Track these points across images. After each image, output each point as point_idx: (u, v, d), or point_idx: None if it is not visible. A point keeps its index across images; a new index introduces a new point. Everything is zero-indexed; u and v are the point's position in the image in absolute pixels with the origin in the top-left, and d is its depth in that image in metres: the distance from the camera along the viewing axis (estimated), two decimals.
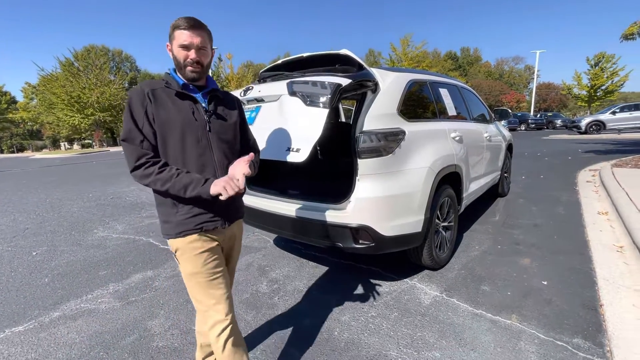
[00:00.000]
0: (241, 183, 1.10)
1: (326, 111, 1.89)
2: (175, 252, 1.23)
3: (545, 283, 2.34)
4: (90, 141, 35.94)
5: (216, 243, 1.27)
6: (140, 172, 1.13)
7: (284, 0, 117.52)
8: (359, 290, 2.38)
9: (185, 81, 1.20)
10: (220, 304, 1.23)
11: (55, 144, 47.02)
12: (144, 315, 2.15)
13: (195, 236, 1.21)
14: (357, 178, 2.07)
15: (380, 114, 2.14)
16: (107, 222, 4.46)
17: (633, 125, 16.61)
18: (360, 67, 2.21)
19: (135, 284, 2.60)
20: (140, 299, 2.37)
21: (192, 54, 1.15)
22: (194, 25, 1.14)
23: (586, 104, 30.74)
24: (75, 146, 37.08)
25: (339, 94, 1.93)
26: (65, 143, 43.01)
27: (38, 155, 28.76)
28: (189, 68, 1.16)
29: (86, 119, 31.49)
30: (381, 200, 2.07)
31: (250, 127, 1.51)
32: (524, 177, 6.28)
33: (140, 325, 2.04)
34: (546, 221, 3.70)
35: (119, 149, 29.84)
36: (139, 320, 2.09)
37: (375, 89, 2.23)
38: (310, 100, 1.95)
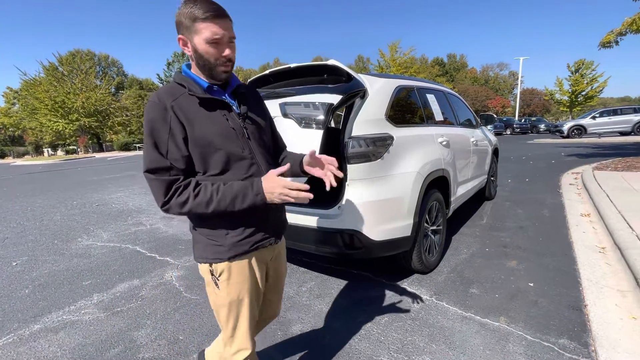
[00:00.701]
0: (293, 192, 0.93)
1: (321, 132, 1.97)
2: (219, 276, 1.04)
3: (531, 285, 2.38)
4: (74, 147, 35.11)
5: (265, 265, 1.16)
6: (174, 203, 0.92)
7: (275, 4, 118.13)
8: (350, 295, 2.37)
9: (209, 82, 0.98)
10: (250, 331, 1.12)
11: (38, 150, 45.80)
12: (129, 325, 2.09)
13: (247, 258, 1.07)
14: (346, 183, 2.08)
15: (368, 119, 2.16)
16: (92, 230, 4.34)
17: (612, 130, 17.22)
18: (349, 76, 2.24)
19: (121, 294, 2.53)
20: (126, 309, 2.30)
21: (226, 51, 0.94)
22: (223, 13, 0.92)
23: (568, 109, 31.76)
24: (59, 152, 36.21)
25: (331, 113, 2.01)
26: (49, 149, 41.95)
27: (20, 161, 27.91)
28: (221, 68, 0.95)
29: (71, 125, 30.84)
30: (370, 205, 2.08)
31: None
32: (510, 181, 6.42)
33: (125, 336, 1.99)
34: (532, 223, 3.78)
35: (105, 154, 29.24)
36: (124, 331, 2.03)
37: (363, 95, 2.25)
38: (304, 122, 2.01)
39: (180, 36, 0.95)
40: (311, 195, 0.93)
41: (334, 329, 1.98)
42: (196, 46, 0.93)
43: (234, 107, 1.03)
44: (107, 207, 5.77)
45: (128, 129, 45.70)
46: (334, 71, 2.30)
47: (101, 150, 36.96)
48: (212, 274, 1.05)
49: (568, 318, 1.96)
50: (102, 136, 39.44)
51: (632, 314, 1.92)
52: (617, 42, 7.83)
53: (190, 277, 2.78)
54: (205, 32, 0.90)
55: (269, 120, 1.20)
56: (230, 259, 1.04)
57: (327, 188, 1.03)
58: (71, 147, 35.84)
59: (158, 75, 37.64)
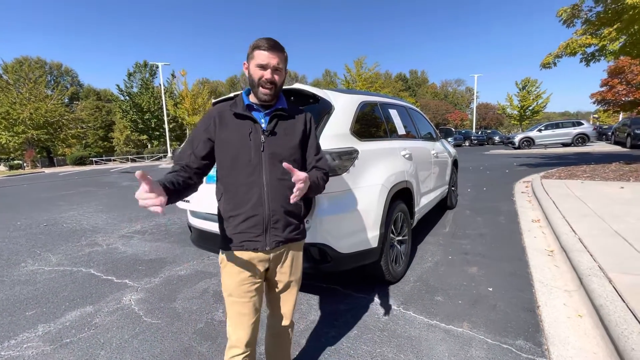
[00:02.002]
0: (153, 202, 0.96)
1: None
2: (221, 262, 1.29)
3: (490, 289, 2.51)
4: (20, 162, 32.13)
5: (260, 266, 1.27)
6: None
7: (241, 15, 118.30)
8: (319, 310, 2.35)
9: (252, 102, 1.26)
10: (241, 330, 1.24)
11: None
12: (80, 358, 1.91)
13: (238, 253, 1.24)
14: (313, 197, 2.09)
15: (334, 134, 2.21)
16: (39, 253, 3.97)
17: (556, 141, 18.96)
18: (316, 97, 2.29)
19: (71, 323, 2.32)
20: (76, 339, 2.11)
21: (267, 74, 1.19)
22: (274, 46, 1.19)
23: (518, 122, 34.58)
24: (2, 167, 32.91)
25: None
26: None
27: None
28: (262, 89, 1.21)
29: (16, 137, 28.29)
30: (338, 218, 2.11)
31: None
32: (470, 190, 6.80)
33: None
34: (490, 230, 4.01)
35: (57, 169, 27.07)
36: None
37: (329, 110, 2.30)
38: None
39: (244, 62, 1.26)
40: (153, 207, 0.93)
41: (303, 345, 1.95)
42: (250, 68, 1.23)
43: (262, 124, 1.24)
44: (57, 227, 5.31)
45: (84, 141, 42.80)
46: (300, 93, 2.34)
47: (52, 164, 34.13)
48: (219, 262, 1.30)
49: (523, 320, 2.08)
50: (54, 150, 36.52)
51: (578, 312, 2.08)
52: (555, 64, 8.71)
53: (152, 299, 2.62)
54: (257, 58, 1.19)
55: (300, 141, 1.32)
56: (225, 248, 1.26)
57: (291, 201, 1.13)
58: (16, 162, 32.78)
59: (118, 86, 35.80)
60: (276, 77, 1.21)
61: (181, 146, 1.29)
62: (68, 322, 2.34)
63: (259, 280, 1.28)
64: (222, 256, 1.29)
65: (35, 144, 31.64)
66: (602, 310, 1.89)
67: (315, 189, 1.28)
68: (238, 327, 1.24)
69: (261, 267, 1.27)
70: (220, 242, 1.30)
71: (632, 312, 1.81)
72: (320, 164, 1.38)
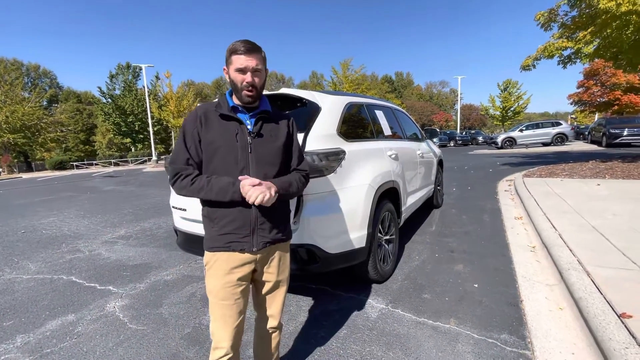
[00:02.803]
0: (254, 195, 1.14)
1: None
2: (206, 264, 1.28)
3: (476, 286, 2.57)
4: None
5: (247, 268, 1.27)
6: (177, 185, 1.23)
7: (226, 17, 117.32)
8: (308, 311, 2.35)
9: (236, 104, 1.26)
10: (226, 332, 1.24)
11: None
12: None
13: (225, 254, 1.24)
14: (300, 198, 2.09)
15: (321, 134, 2.22)
16: (17, 261, 3.82)
17: (536, 141, 19.57)
18: (302, 101, 2.30)
19: (52, 333, 2.24)
20: (57, 349, 2.04)
21: (247, 77, 1.20)
22: (251, 49, 1.19)
23: (500, 123, 35.51)
24: None
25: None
26: None
27: None
28: (245, 92, 1.21)
29: None
30: (325, 218, 2.12)
31: None
32: (455, 189, 6.93)
33: None
34: (475, 228, 4.10)
35: (35, 174, 26.12)
36: None
37: (316, 112, 2.31)
38: None
39: (224, 67, 1.26)
40: (257, 192, 1.13)
41: (293, 347, 1.94)
42: (230, 73, 1.23)
43: (249, 126, 1.26)
44: (36, 234, 5.13)
45: (64, 145, 41.49)
46: (287, 97, 2.35)
47: (30, 169, 32.91)
48: (204, 264, 1.29)
49: (508, 314, 2.14)
50: (32, 154, 35.25)
51: (559, 305, 2.16)
52: (534, 66, 9.00)
53: (137, 305, 2.56)
54: (236, 62, 1.20)
55: (284, 144, 1.34)
56: (211, 249, 1.26)
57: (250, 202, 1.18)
58: None
59: (99, 88, 34.85)
60: (256, 79, 1.22)
61: (174, 150, 1.27)
62: (48, 331, 2.26)
63: (245, 282, 1.28)
64: (207, 257, 1.28)
65: (11, 149, 30.49)
66: (581, 303, 1.97)
67: (291, 193, 1.32)
68: (222, 329, 1.24)
69: (247, 269, 1.27)
70: (205, 243, 1.29)
71: (609, 303, 1.88)
72: (301, 167, 1.42)
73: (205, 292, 1.29)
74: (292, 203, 2.11)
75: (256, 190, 1.14)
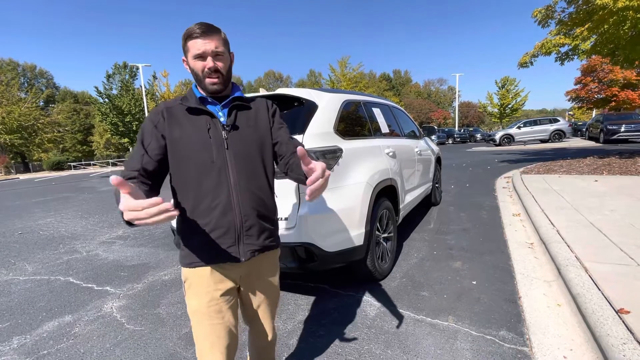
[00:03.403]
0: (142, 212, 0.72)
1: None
2: (185, 282, 1.13)
3: (474, 283, 2.57)
4: None
5: (230, 283, 1.12)
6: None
7: (223, 16, 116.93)
8: (307, 309, 2.35)
9: (204, 94, 1.10)
10: (214, 354, 1.10)
11: None
12: None
13: (206, 269, 1.09)
14: (297, 196, 2.08)
15: (317, 132, 2.21)
16: (13, 262, 3.79)
17: (534, 138, 19.60)
18: (300, 100, 2.30)
19: (49, 334, 2.22)
20: (54, 350, 2.03)
21: (208, 63, 1.03)
22: (206, 30, 1.02)
23: (498, 120, 35.54)
24: None
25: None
26: None
27: None
28: (208, 79, 1.05)
29: None
30: (323, 217, 2.11)
31: None
32: (453, 186, 6.94)
33: None
34: (473, 225, 4.10)
35: (33, 175, 26.02)
36: None
37: (313, 110, 2.30)
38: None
39: (182, 58, 1.09)
40: (167, 212, 0.72)
41: (292, 345, 1.93)
42: (189, 62, 1.07)
43: (221, 118, 1.09)
44: (33, 235, 5.10)
45: (61, 146, 41.33)
46: (284, 97, 2.34)
47: (27, 170, 32.76)
48: (183, 281, 1.15)
49: (506, 311, 2.14)
50: (29, 155, 35.06)
51: (557, 302, 2.16)
52: (531, 63, 9.01)
53: (134, 306, 2.54)
54: (192, 48, 1.03)
55: (267, 133, 1.16)
56: (190, 264, 1.10)
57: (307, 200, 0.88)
58: None
59: (96, 88, 34.66)
60: (219, 63, 1.05)
61: (130, 152, 1.10)
62: (45, 333, 2.24)
63: (233, 296, 1.14)
64: (185, 273, 1.12)
65: (8, 150, 30.34)
66: (579, 299, 1.96)
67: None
68: (211, 353, 1.09)
69: (234, 282, 1.14)
70: (181, 259, 1.12)
71: (607, 299, 1.88)
72: (291, 149, 1.19)
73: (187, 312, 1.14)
74: (290, 201, 2.10)
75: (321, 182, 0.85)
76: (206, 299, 1.09)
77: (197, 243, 1.08)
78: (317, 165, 0.86)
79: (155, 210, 0.71)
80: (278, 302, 1.34)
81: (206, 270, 1.09)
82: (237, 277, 1.14)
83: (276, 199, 1.23)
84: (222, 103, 1.12)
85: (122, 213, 0.75)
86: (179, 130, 1.06)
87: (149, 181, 1.02)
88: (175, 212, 0.73)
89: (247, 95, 1.23)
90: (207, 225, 1.06)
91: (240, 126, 1.11)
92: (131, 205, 0.72)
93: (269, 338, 1.30)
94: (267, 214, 1.17)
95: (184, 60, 1.10)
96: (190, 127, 1.07)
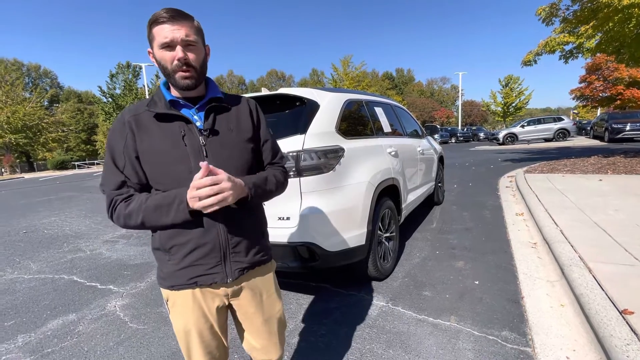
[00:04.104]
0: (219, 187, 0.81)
1: (297, 179, 2.05)
2: (167, 301, 1.03)
3: (477, 282, 2.56)
4: None
5: (218, 302, 1.01)
6: (114, 216, 0.93)
7: (226, 14, 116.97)
8: (309, 309, 2.35)
9: (174, 96, 0.95)
10: None
11: None
12: None
13: (189, 291, 0.98)
14: (299, 196, 2.09)
15: (319, 132, 2.21)
16: (18, 261, 3.83)
17: (538, 136, 19.46)
18: (302, 100, 2.30)
19: (53, 332, 2.24)
20: (58, 349, 2.05)
21: (178, 53, 0.87)
22: (175, 15, 0.87)
23: (502, 119, 35.36)
24: None
25: (302, 159, 2.08)
26: None
27: None
28: (179, 74, 0.89)
29: None
30: (324, 216, 2.11)
31: None
32: (456, 186, 6.91)
33: None
34: (476, 225, 4.08)
35: (37, 174, 26.23)
36: None
37: (315, 109, 2.30)
38: None
39: (148, 49, 0.93)
40: (223, 192, 0.81)
41: (293, 345, 1.94)
42: (155, 53, 0.91)
43: (197, 122, 0.95)
44: (38, 233, 5.14)
45: (65, 145, 41.61)
46: (286, 97, 2.35)
47: (32, 169, 33.04)
48: (164, 300, 1.04)
49: (508, 311, 2.13)
50: (33, 154, 35.35)
51: (560, 302, 2.14)
52: (535, 61, 8.93)
53: (138, 305, 2.56)
54: (158, 35, 0.88)
55: (251, 137, 1.04)
56: (170, 287, 0.99)
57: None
58: None
59: (100, 87, 34.83)
60: (190, 54, 0.89)
61: (103, 174, 0.96)
62: (49, 331, 2.26)
63: (222, 313, 1.05)
64: (166, 295, 1.02)
65: (13, 149, 30.62)
66: (583, 299, 1.95)
67: (268, 192, 1.03)
68: None
69: (221, 301, 1.03)
70: (161, 280, 1.00)
71: (610, 300, 1.87)
72: (277, 160, 1.13)
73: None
74: (292, 201, 2.10)
75: (208, 191, 0.82)
76: (192, 318, 1.00)
77: (177, 265, 0.96)
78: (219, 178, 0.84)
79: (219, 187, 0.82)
80: (284, 324, 1.20)
81: (188, 293, 0.99)
82: (226, 297, 1.03)
83: (269, 203, 1.19)
84: (197, 105, 0.97)
85: (186, 206, 0.86)
86: (149, 141, 0.92)
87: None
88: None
89: (249, 95, 1.18)
90: (187, 245, 0.94)
91: (220, 130, 0.97)
92: (207, 180, 0.80)
93: (270, 356, 1.15)
94: (256, 227, 1.06)
95: (149, 52, 0.93)
96: (161, 135, 0.92)
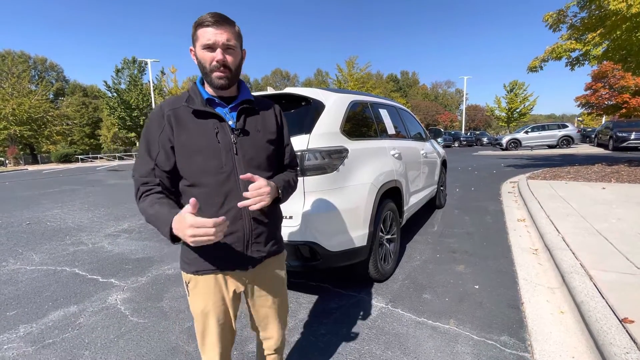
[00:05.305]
0: (211, 231, 0.82)
1: (301, 179, 2.06)
2: (188, 283, 1.11)
3: (477, 287, 2.56)
4: (2, 159, 31.19)
5: (236, 287, 1.12)
6: (140, 207, 1.00)
7: (231, 13, 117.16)
8: (309, 308, 2.36)
9: (210, 95, 1.04)
10: (216, 349, 1.13)
11: None
12: (63, 359, 1.87)
13: (212, 276, 1.08)
14: (302, 195, 2.09)
15: (324, 132, 2.22)
16: (21, 252, 3.86)
17: (541, 143, 19.40)
18: (307, 100, 2.31)
19: (54, 323, 2.26)
20: (59, 340, 2.06)
21: (217, 55, 0.96)
22: (219, 20, 0.96)
23: (506, 124, 35.25)
24: None
25: (306, 159, 2.10)
26: None
27: None
28: (216, 73, 0.98)
29: None
30: (327, 216, 2.12)
31: None
32: (458, 190, 6.90)
33: None
34: (477, 229, 4.08)
35: (41, 167, 26.38)
36: None
37: (320, 109, 2.31)
38: None
39: (190, 47, 1.02)
40: (222, 229, 0.84)
41: (292, 343, 1.95)
42: (196, 52, 1.00)
43: (229, 122, 1.04)
44: (41, 225, 5.18)
45: (69, 138, 41.83)
46: (291, 97, 2.35)
47: (35, 162, 33.21)
48: (185, 282, 1.13)
49: (508, 316, 2.13)
50: (37, 147, 35.54)
51: (560, 309, 2.14)
52: (541, 67, 8.91)
53: (138, 299, 2.58)
54: (202, 37, 0.96)
55: (274, 139, 1.14)
56: (194, 272, 1.08)
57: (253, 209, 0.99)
58: None
59: (105, 82, 35.01)
60: (229, 57, 0.98)
61: (136, 161, 1.05)
62: (51, 322, 2.28)
63: (236, 300, 1.16)
64: (188, 277, 1.10)
65: (18, 141, 30.80)
66: (583, 307, 1.95)
67: (289, 194, 1.16)
68: (213, 349, 1.13)
69: (239, 287, 1.13)
70: (185, 265, 1.10)
71: (611, 308, 1.87)
72: (294, 165, 1.27)
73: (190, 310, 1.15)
74: (295, 200, 2.11)
75: (257, 194, 0.95)
76: (211, 301, 1.09)
77: (204, 251, 1.05)
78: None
79: (223, 227, 0.83)
80: (287, 308, 1.32)
81: (211, 276, 1.08)
82: (243, 282, 1.14)
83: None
84: (231, 105, 1.06)
85: (170, 233, 0.89)
86: (186, 135, 1.00)
87: (172, 188, 1.05)
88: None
89: (254, 93, 1.22)
90: None
91: (249, 130, 1.07)
92: (199, 222, 0.81)
93: (277, 345, 1.28)
94: (275, 220, 1.17)
95: (191, 50, 1.02)
96: (197, 131, 1.01)
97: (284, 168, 1.23)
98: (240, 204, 0.95)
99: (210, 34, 0.95)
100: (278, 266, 1.23)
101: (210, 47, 0.96)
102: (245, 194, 0.95)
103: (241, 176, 0.96)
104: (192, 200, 0.84)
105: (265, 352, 1.30)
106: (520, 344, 1.85)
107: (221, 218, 0.84)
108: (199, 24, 0.96)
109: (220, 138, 1.02)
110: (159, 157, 1.01)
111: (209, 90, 1.05)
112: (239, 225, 1.04)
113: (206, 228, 0.81)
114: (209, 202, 1.02)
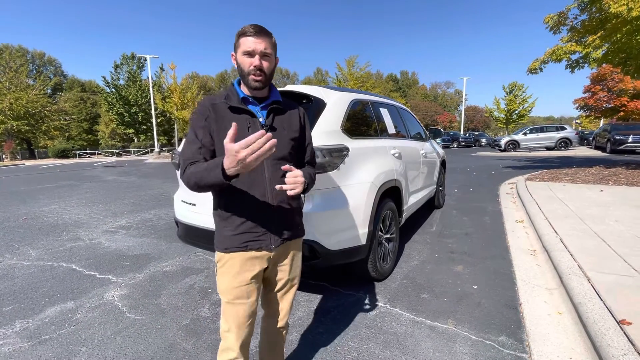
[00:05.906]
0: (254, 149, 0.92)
1: None
2: (217, 262, 1.23)
3: (475, 287, 2.56)
4: None
5: (260, 267, 1.22)
6: (185, 176, 1.12)
7: (231, 11, 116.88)
8: (307, 307, 2.35)
9: (246, 94, 1.19)
10: (238, 333, 1.21)
11: None
12: (59, 355, 1.86)
13: (239, 254, 1.19)
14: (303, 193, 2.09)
15: (324, 130, 2.21)
16: (17, 247, 3.83)
17: (540, 145, 19.47)
18: (308, 97, 2.30)
19: (51, 319, 2.25)
20: (56, 335, 2.05)
21: (255, 61, 1.12)
22: (260, 31, 1.13)
23: (504, 125, 35.34)
24: None
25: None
26: None
27: None
28: (252, 77, 1.13)
29: None
30: (327, 215, 2.11)
31: None
32: (457, 190, 6.91)
33: None
34: (475, 230, 4.09)
35: (38, 162, 26.20)
36: None
37: (321, 107, 2.30)
38: None
39: (232, 53, 1.18)
40: (272, 140, 0.93)
41: (290, 341, 1.94)
42: (237, 57, 1.16)
43: (260, 118, 1.19)
44: (37, 220, 5.15)
45: (67, 134, 41.61)
46: (292, 94, 2.35)
47: (32, 157, 33.02)
48: (215, 262, 1.25)
49: (506, 317, 2.13)
50: (34, 142, 35.34)
51: (558, 310, 2.15)
52: (541, 69, 8.92)
53: (136, 295, 2.56)
54: (244, 45, 1.12)
55: (297, 137, 1.28)
56: (226, 249, 1.20)
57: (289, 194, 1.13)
58: None
59: (104, 78, 34.86)
60: (265, 63, 1.14)
61: (183, 146, 1.20)
62: (47, 318, 2.27)
63: (258, 280, 1.25)
64: (219, 257, 1.23)
65: (15, 135, 30.61)
66: (581, 308, 1.96)
67: (312, 186, 1.29)
68: (235, 330, 1.21)
69: (262, 267, 1.24)
70: (218, 244, 1.23)
71: (608, 309, 1.87)
72: (312, 161, 1.41)
73: (206, 285, 1.23)
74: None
75: (294, 180, 1.10)
76: (237, 280, 1.19)
77: (233, 231, 1.19)
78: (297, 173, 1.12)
79: (268, 136, 0.92)
80: (297, 289, 1.42)
81: (240, 255, 1.19)
82: (265, 262, 1.24)
83: None
84: (262, 105, 1.21)
85: (222, 173, 0.99)
86: (222, 127, 1.14)
87: None
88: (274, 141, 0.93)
89: (285, 98, 1.32)
90: (243, 215, 1.18)
91: (277, 128, 1.21)
92: (245, 141, 0.91)
93: (283, 323, 1.38)
94: (297, 207, 1.31)
95: (232, 55, 1.18)
96: (231, 124, 1.09)
97: (304, 165, 1.36)
98: (278, 187, 1.10)
99: (250, 42, 1.11)
100: (297, 247, 1.36)
101: (250, 54, 1.12)
102: (285, 179, 1.10)
103: (283, 167, 1.11)
104: (234, 124, 0.94)
105: (275, 327, 1.38)
106: (518, 344, 1.85)
107: (259, 132, 0.93)
108: (242, 34, 1.12)
109: (251, 131, 1.11)
110: (205, 139, 1.15)
111: (244, 90, 1.20)
112: (264, 209, 1.18)
113: (255, 141, 0.91)
114: (236, 188, 1.16)
